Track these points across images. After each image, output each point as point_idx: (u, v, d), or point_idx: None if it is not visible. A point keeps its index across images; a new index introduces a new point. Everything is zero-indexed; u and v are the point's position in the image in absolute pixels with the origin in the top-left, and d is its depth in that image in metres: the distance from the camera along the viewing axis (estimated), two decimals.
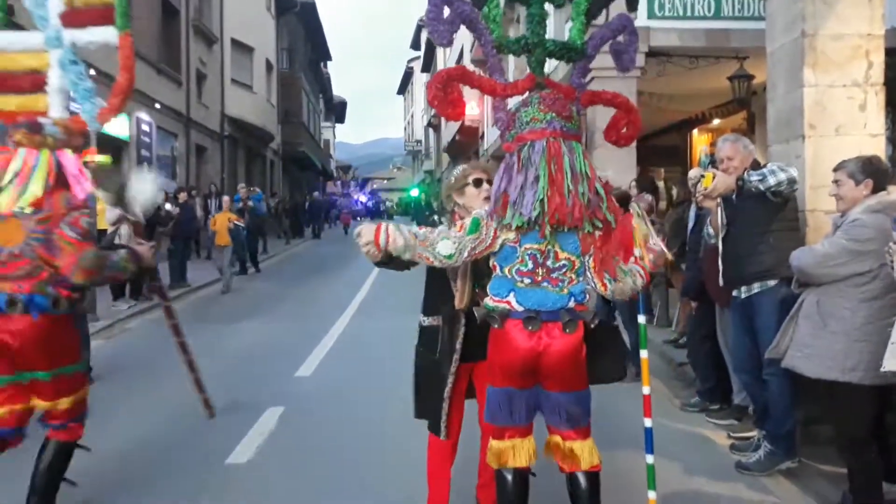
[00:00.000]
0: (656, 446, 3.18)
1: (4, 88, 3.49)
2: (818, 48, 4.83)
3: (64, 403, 3.37)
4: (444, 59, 32.73)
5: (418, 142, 53.71)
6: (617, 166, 11.01)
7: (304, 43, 37.54)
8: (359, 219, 39.83)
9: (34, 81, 3.50)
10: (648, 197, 9.26)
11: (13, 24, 3.74)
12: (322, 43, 40.25)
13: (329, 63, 44.73)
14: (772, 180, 3.99)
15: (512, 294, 2.81)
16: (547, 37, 3.05)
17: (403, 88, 64.12)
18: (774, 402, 4.16)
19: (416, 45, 47.58)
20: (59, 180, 3.27)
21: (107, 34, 3.51)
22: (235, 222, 12.93)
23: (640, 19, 9.80)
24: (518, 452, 2.93)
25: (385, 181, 72.28)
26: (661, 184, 4.43)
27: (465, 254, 2.77)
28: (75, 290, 3.33)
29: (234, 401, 5.67)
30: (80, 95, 3.55)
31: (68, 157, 3.35)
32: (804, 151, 4.71)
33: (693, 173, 4.52)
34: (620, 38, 3.20)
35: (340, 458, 4.47)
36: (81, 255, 3.16)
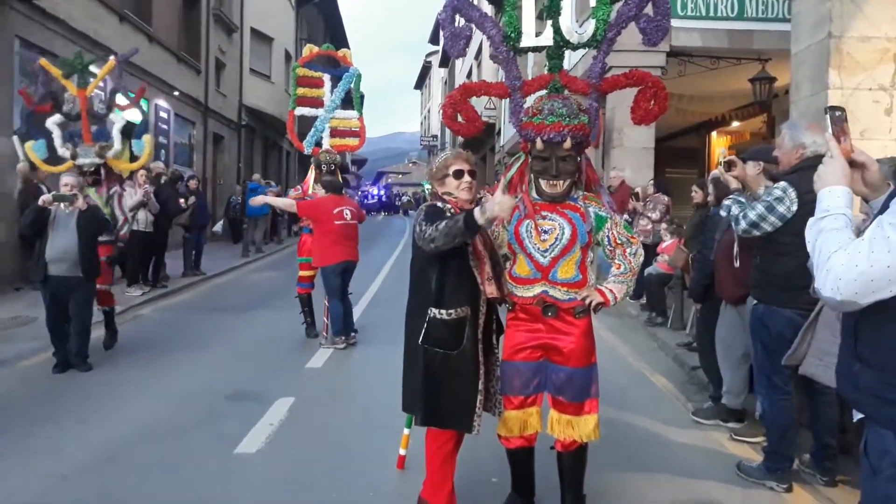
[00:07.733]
0: (665, 452, 3.13)
1: (338, 135, 8.54)
2: (844, 50, 4.77)
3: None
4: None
5: (434, 136, 53.43)
6: (634, 166, 10.93)
7: (324, 34, 37.52)
8: (372, 214, 39.53)
9: (353, 133, 8.66)
10: (665, 198, 9.18)
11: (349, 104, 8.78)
12: (341, 35, 40.20)
13: None
14: (739, 228, 3.94)
15: None
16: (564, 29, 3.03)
17: (421, 83, 63.95)
18: (767, 420, 4.06)
19: (434, 39, 47.43)
20: None
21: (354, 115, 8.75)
22: None
23: None
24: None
25: (400, 175, 71.93)
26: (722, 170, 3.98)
27: None
28: None
29: (244, 390, 5.69)
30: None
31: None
32: None
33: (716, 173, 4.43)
34: (648, 11, 3.14)
35: (349, 451, 4.46)
36: None
